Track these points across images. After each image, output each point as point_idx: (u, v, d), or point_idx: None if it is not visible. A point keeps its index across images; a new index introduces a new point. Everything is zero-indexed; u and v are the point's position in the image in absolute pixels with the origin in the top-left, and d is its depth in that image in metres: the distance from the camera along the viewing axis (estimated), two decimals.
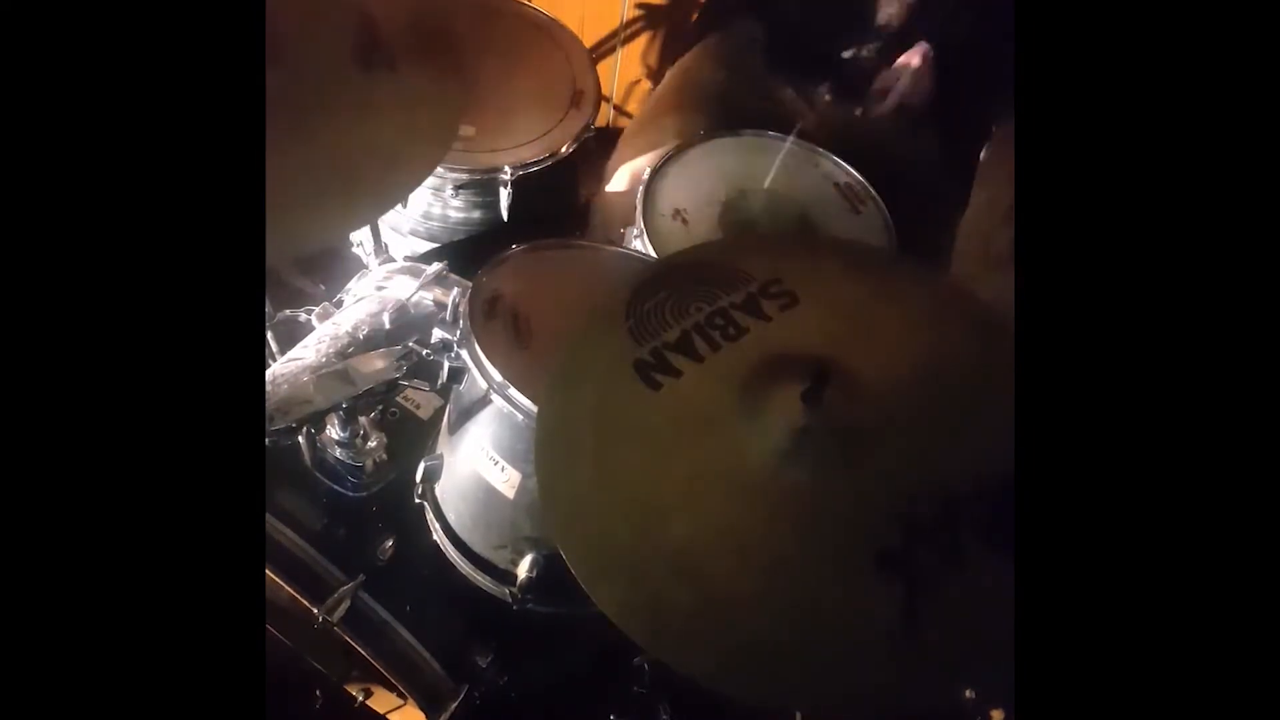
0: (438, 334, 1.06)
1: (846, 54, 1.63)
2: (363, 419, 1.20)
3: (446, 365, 1.03)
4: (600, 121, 1.57)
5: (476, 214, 1.51)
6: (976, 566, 0.73)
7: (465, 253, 1.50)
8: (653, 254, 1.27)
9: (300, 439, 1.13)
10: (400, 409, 1.27)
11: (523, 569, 1.06)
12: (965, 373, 0.88)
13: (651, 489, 0.81)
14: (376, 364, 1.07)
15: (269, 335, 1.31)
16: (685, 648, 0.75)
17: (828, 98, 1.69)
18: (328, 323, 1.19)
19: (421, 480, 1.13)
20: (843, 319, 0.92)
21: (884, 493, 0.78)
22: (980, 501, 0.76)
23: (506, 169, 1.42)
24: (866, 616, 0.73)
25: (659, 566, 0.76)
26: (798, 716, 1.08)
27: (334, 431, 1.19)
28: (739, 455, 0.81)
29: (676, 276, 0.96)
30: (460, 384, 1.05)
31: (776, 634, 0.74)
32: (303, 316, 1.28)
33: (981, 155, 1.61)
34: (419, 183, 1.11)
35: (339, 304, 1.28)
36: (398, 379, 1.09)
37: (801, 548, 0.77)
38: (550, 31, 1.66)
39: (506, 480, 1.02)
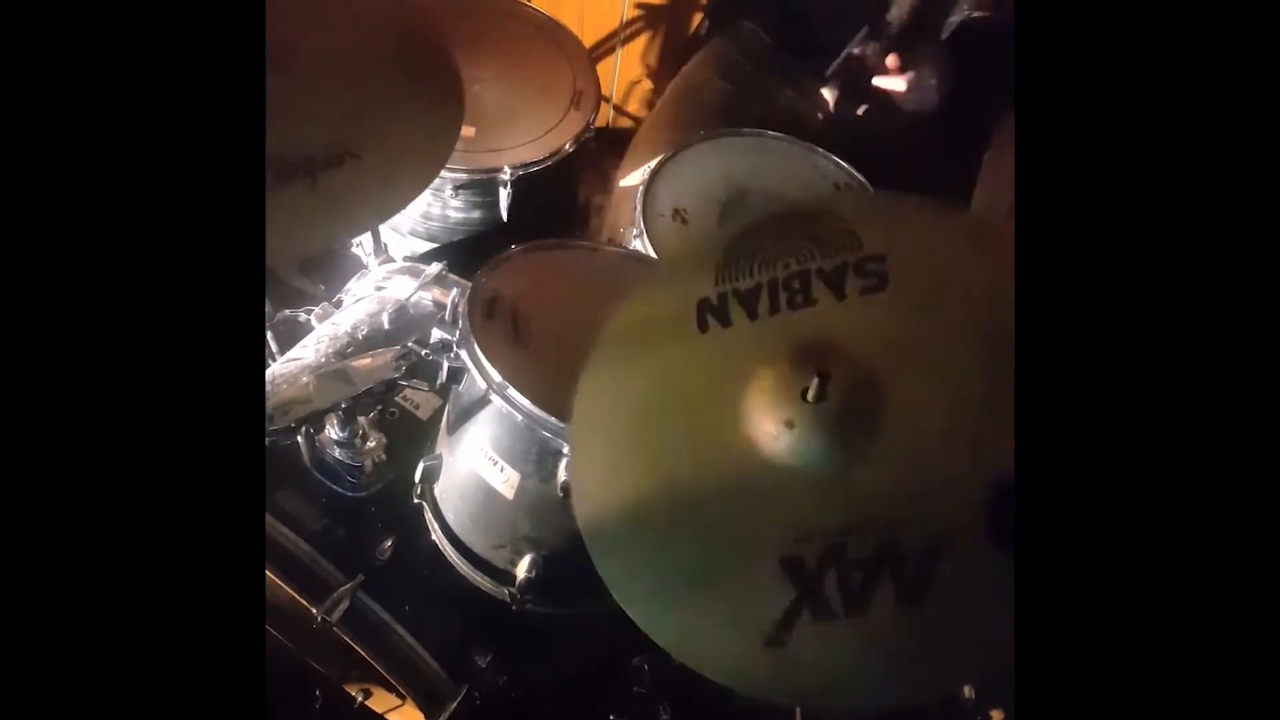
0: (437, 334, 1.06)
1: (855, 50, 1.62)
2: (362, 419, 1.20)
3: (445, 365, 1.03)
4: (600, 121, 1.57)
5: (476, 214, 1.52)
6: (871, 618, 0.72)
7: (465, 253, 1.50)
8: (652, 254, 1.27)
9: (299, 439, 1.13)
10: (399, 409, 1.27)
11: (522, 569, 1.06)
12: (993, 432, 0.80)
13: (650, 416, 0.84)
14: (375, 364, 1.07)
15: (269, 335, 1.31)
16: (609, 554, 0.79)
17: (830, 98, 1.69)
18: (327, 323, 1.19)
19: (420, 480, 1.13)
20: (914, 328, 0.85)
21: (830, 513, 0.77)
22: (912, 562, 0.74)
23: (506, 169, 1.43)
24: (755, 603, 0.74)
25: (628, 485, 0.81)
26: (798, 715, 1.08)
27: (333, 431, 1.19)
28: (730, 416, 0.81)
29: (790, 221, 0.92)
30: (459, 384, 1.05)
31: (680, 578, 0.78)
32: (302, 316, 1.28)
33: (983, 156, 1.61)
34: (417, 194, 1.10)
35: (338, 304, 1.28)
36: (397, 379, 1.09)
37: (731, 516, 0.79)
38: (550, 32, 1.66)
39: (505, 480, 1.02)
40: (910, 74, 1.48)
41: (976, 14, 1.52)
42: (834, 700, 0.77)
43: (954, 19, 1.53)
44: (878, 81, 1.50)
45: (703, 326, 0.86)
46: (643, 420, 0.86)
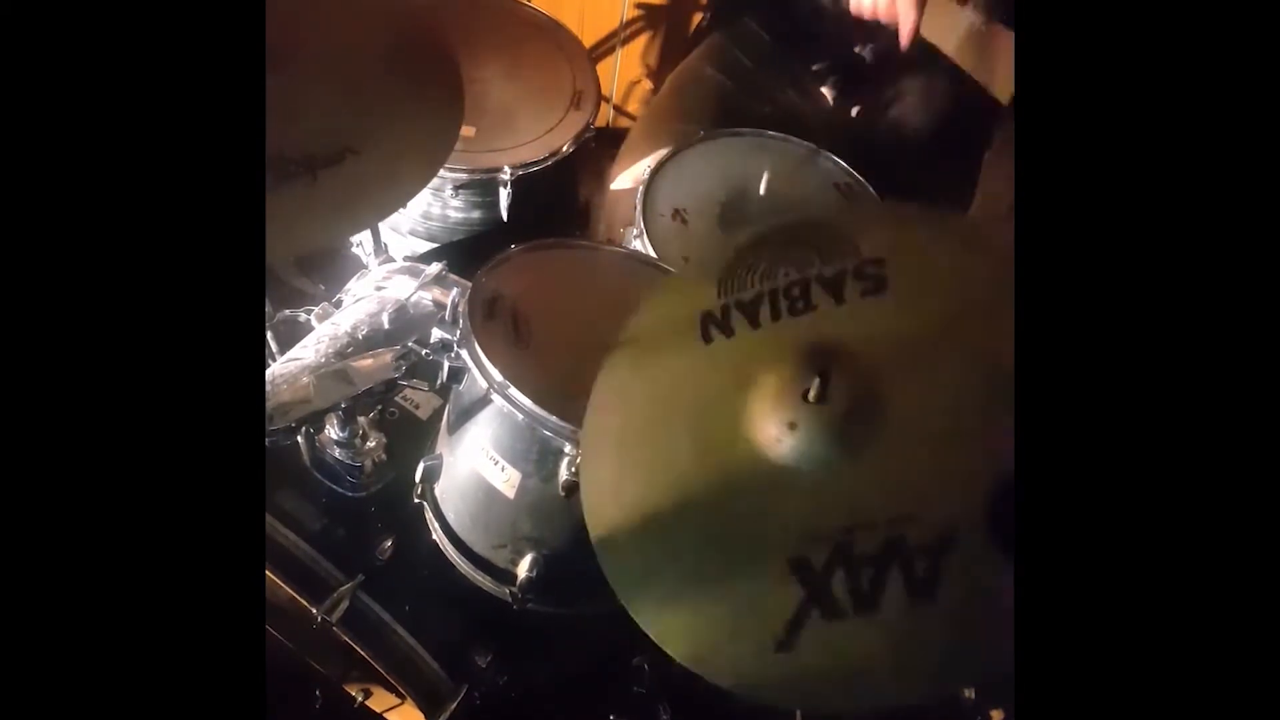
0: (437, 334, 1.06)
1: (858, 49, 1.62)
2: (361, 419, 1.20)
3: (446, 365, 1.03)
4: (600, 121, 1.57)
5: (476, 214, 1.52)
6: (882, 616, 0.72)
7: (465, 253, 1.50)
8: (652, 254, 1.27)
9: (299, 439, 1.12)
10: (399, 409, 1.27)
11: (522, 569, 1.06)
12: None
13: (657, 428, 0.86)
14: (375, 364, 1.07)
15: (269, 335, 1.31)
16: (620, 561, 0.80)
17: (829, 96, 1.69)
18: (327, 323, 1.19)
19: (421, 480, 1.13)
20: (916, 328, 0.85)
21: (835, 512, 0.77)
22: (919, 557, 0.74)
23: (506, 169, 1.43)
24: (765, 606, 0.74)
25: (636, 493, 0.82)
26: (798, 716, 1.08)
27: (333, 431, 1.19)
28: (734, 421, 0.82)
29: (788, 233, 0.94)
30: (460, 384, 1.05)
31: (689, 583, 0.78)
32: (302, 316, 1.28)
33: (984, 155, 1.60)
34: (416, 192, 1.10)
35: (338, 304, 1.28)
36: (397, 379, 1.09)
37: (738, 519, 0.79)
38: (550, 32, 1.66)
39: (506, 480, 1.02)
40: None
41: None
42: (842, 701, 0.77)
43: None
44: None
45: (706, 338, 0.88)
46: (651, 429, 0.87)
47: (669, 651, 0.76)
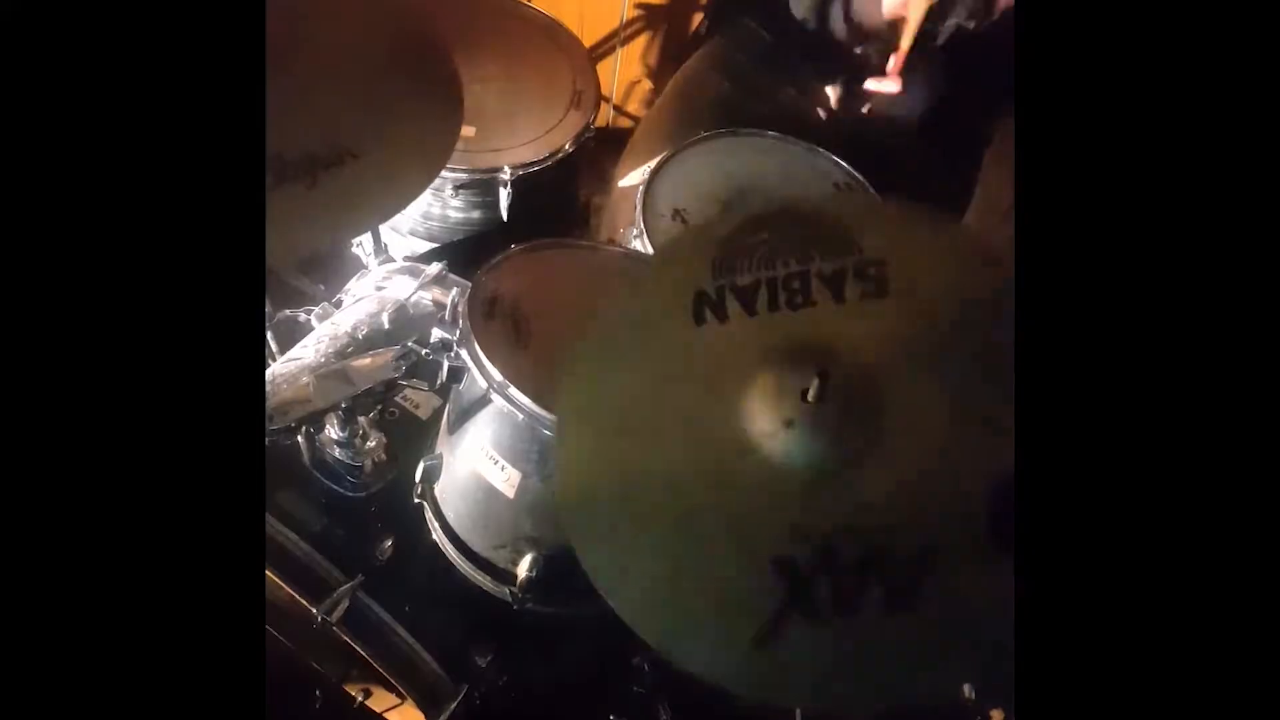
0: (437, 334, 1.07)
1: (858, 49, 1.62)
2: (362, 419, 1.20)
3: (445, 365, 1.03)
4: (600, 121, 1.57)
5: (476, 214, 1.52)
6: (860, 621, 0.72)
7: (465, 253, 1.50)
8: (652, 254, 1.27)
9: (299, 439, 1.12)
10: (399, 409, 1.27)
11: (523, 569, 1.06)
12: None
13: (641, 408, 0.84)
14: (375, 364, 1.07)
15: (269, 335, 1.31)
16: (594, 546, 0.79)
17: (832, 96, 1.69)
18: (327, 323, 1.19)
19: (421, 480, 1.13)
20: (916, 333, 0.85)
21: (823, 514, 0.77)
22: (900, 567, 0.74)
23: (506, 169, 1.43)
24: (746, 603, 0.74)
25: (615, 476, 0.81)
26: (797, 715, 1.08)
27: (333, 431, 1.19)
28: (726, 412, 0.81)
29: (789, 220, 0.91)
30: (459, 384, 1.05)
31: (672, 578, 0.77)
32: (302, 316, 1.28)
33: (984, 155, 1.60)
34: (417, 194, 1.10)
35: (338, 304, 1.28)
36: (397, 379, 1.09)
37: (725, 513, 0.78)
38: (550, 32, 1.66)
39: (506, 480, 1.02)
40: (901, 79, 1.48)
41: (969, 23, 1.52)
42: (822, 701, 0.77)
43: (949, 23, 1.53)
44: (870, 85, 1.50)
45: (699, 319, 0.86)
46: (633, 410, 0.85)
47: (648, 640, 0.76)
